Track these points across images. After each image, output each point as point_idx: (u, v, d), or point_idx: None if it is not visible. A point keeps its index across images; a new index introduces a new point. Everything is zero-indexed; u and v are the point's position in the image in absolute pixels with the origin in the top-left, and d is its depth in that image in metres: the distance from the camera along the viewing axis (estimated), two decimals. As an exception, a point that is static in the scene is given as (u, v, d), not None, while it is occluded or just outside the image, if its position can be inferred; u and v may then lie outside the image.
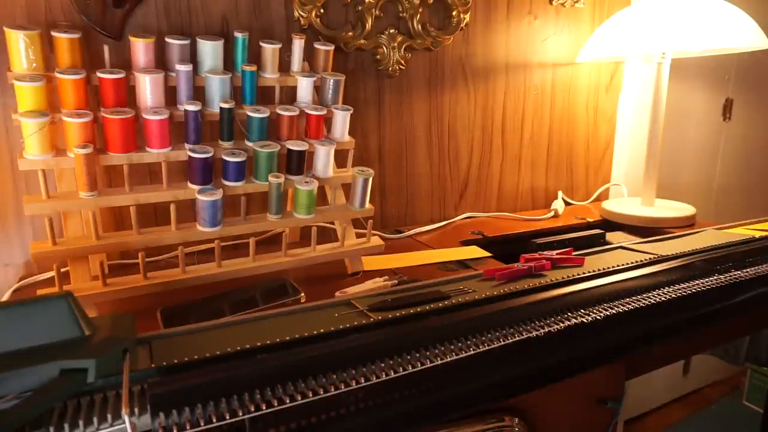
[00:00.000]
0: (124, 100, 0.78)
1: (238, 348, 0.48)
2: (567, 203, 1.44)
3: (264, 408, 0.41)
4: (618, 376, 0.67)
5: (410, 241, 1.14)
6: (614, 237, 1.20)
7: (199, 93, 0.84)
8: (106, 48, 0.79)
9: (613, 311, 0.60)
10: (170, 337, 0.53)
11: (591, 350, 0.61)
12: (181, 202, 0.77)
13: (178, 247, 0.76)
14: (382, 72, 1.14)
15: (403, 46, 1.14)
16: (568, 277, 0.69)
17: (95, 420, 0.39)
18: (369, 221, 0.89)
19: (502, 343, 0.53)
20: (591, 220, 1.31)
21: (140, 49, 0.80)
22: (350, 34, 1.09)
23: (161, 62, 0.84)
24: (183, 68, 0.81)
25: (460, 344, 0.53)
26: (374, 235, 0.93)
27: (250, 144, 0.83)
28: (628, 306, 0.62)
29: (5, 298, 0.85)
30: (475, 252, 1.02)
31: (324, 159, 0.87)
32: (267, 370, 0.45)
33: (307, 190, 0.83)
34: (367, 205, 0.90)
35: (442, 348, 0.51)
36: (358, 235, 0.92)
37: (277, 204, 0.82)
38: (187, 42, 0.83)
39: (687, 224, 1.23)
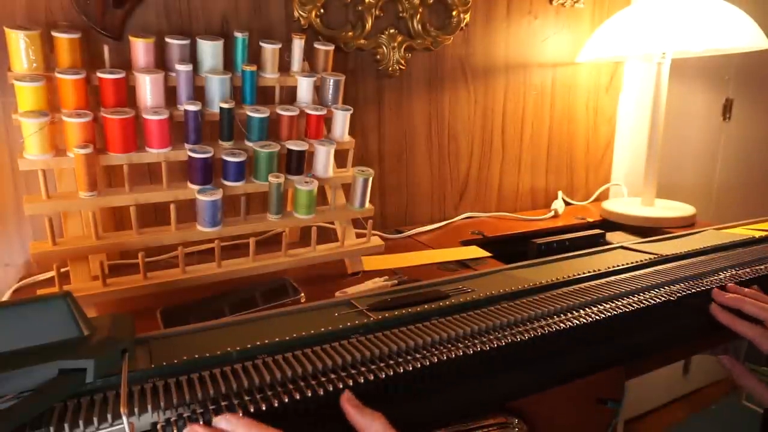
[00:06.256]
0: (124, 100, 0.78)
1: (238, 348, 0.48)
2: (567, 203, 1.44)
3: (263, 407, 0.41)
4: (618, 376, 0.67)
5: (410, 241, 1.14)
6: (614, 237, 1.20)
7: (199, 93, 0.84)
8: (106, 48, 0.79)
9: (613, 311, 0.60)
10: (170, 337, 0.53)
11: (591, 350, 0.61)
12: (181, 202, 0.77)
13: (178, 247, 0.76)
14: (382, 72, 1.14)
15: (403, 46, 1.14)
16: (568, 277, 0.69)
17: (95, 420, 0.39)
18: (369, 221, 0.89)
19: (502, 343, 0.53)
20: (591, 220, 1.31)
21: (140, 49, 0.80)
22: (350, 34, 1.09)
23: (161, 62, 0.84)
24: (183, 68, 0.81)
25: (460, 344, 0.53)
26: (374, 235, 0.93)
27: (250, 144, 0.83)
28: (628, 306, 0.62)
29: (5, 298, 0.85)
30: (475, 252, 1.02)
31: (324, 159, 0.87)
32: (266, 369, 0.45)
33: (306, 190, 0.83)
34: (367, 205, 0.90)
35: (442, 348, 0.51)
36: (358, 235, 0.92)
37: (277, 204, 0.82)
38: (187, 42, 0.83)
39: (687, 224, 1.23)
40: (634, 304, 0.62)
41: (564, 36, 1.35)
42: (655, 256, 0.78)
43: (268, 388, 0.44)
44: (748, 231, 0.95)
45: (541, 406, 0.60)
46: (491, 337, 0.54)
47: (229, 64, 0.87)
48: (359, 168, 0.89)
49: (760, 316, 0.59)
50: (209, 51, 0.84)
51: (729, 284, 0.66)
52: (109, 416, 0.40)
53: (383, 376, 0.46)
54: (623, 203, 1.34)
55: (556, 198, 1.43)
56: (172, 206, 0.76)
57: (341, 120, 0.90)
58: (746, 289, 0.65)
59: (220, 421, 0.40)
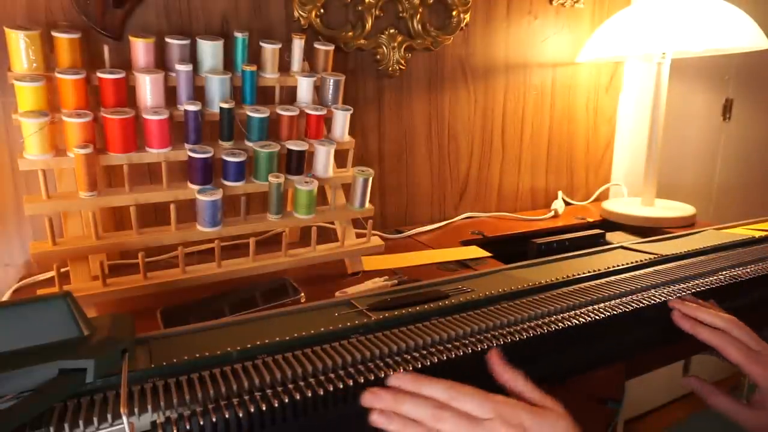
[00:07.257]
0: (124, 100, 0.78)
1: (238, 348, 0.48)
2: (567, 203, 1.44)
3: (264, 407, 0.41)
4: (618, 376, 0.67)
5: (410, 241, 1.14)
6: (614, 237, 1.20)
7: (199, 93, 0.84)
8: (106, 48, 0.79)
9: (613, 311, 0.60)
10: (170, 337, 0.53)
11: (591, 350, 0.61)
12: (181, 202, 0.77)
13: (178, 247, 0.76)
14: (382, 72, 1.14)
15: (403, 46, 1.14)
16: (568, 277, 0.69)
17: (95, 420, 0.39)
18: (369, 221, 0.89)
19: (501, 342, 0.53)
20: (591, 220, 1.31)
21: (140, 49, 0.80)
22: (350, 34, 1.09)
23: (161, 62, 0.84)
24: (183, 68, 0.81)
25: (459, 344, 0.53)
26: (374, 235, 0.93)
27: (250, 144, 0.83)
28: (628, 306, 0.62)
29: (5, 298, 0.85)
30: (475, 252, 1.02)
31: (324, 159, 0.87)
32: (266, 369, 0.45)
33: (306, 190, 0.83)
34: (367, 205, 0.90)
35: (442, 348, 0.51)
36: (358, 235, 0.92)
37: (277, 204, 0.82)
38: (187, 42, 0.83)
39: (687, 224, 1.23)
40: (633, 304, 0.62)
41: (564, 36, 1.35)
42: (655, 256, 0.78)
43: (268, 388, 0.44)
44: (748, 231, 0.95)
45: (541, 406, 0.60)
46: (491, 336, 0.54)
47: (229, 64, 0.87)
48: (359, 168, 0.89)
49: (716, 324, 0.60)
50: (209, 51, 0.84)
51: (686, 296, 0.66)
52: (109, 416, 0.40)
53: (383, 376, 0.46)
54: (623, 203, 1.34)
55: (556, 198, 1.43)
56: (172, 206, 0.76)
57: (341, 120, 0.90)
58: (703, 302, 0.65)
59: (391, 380, 0.45)
